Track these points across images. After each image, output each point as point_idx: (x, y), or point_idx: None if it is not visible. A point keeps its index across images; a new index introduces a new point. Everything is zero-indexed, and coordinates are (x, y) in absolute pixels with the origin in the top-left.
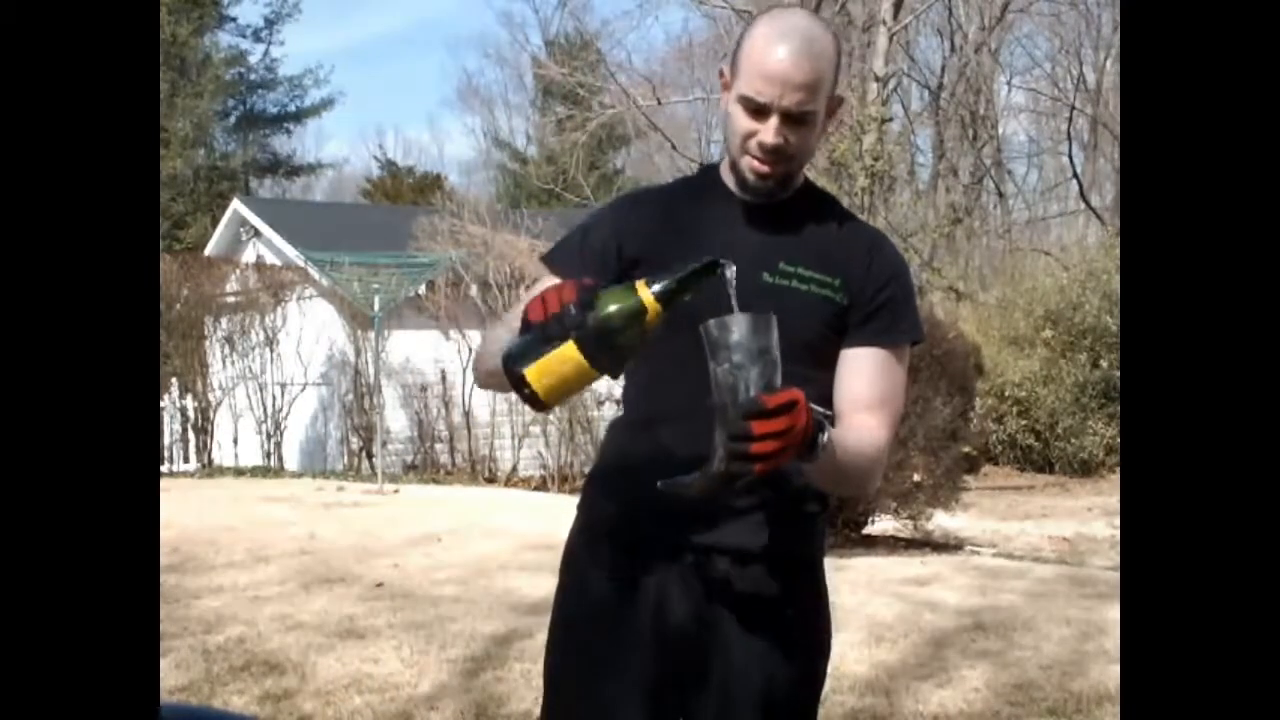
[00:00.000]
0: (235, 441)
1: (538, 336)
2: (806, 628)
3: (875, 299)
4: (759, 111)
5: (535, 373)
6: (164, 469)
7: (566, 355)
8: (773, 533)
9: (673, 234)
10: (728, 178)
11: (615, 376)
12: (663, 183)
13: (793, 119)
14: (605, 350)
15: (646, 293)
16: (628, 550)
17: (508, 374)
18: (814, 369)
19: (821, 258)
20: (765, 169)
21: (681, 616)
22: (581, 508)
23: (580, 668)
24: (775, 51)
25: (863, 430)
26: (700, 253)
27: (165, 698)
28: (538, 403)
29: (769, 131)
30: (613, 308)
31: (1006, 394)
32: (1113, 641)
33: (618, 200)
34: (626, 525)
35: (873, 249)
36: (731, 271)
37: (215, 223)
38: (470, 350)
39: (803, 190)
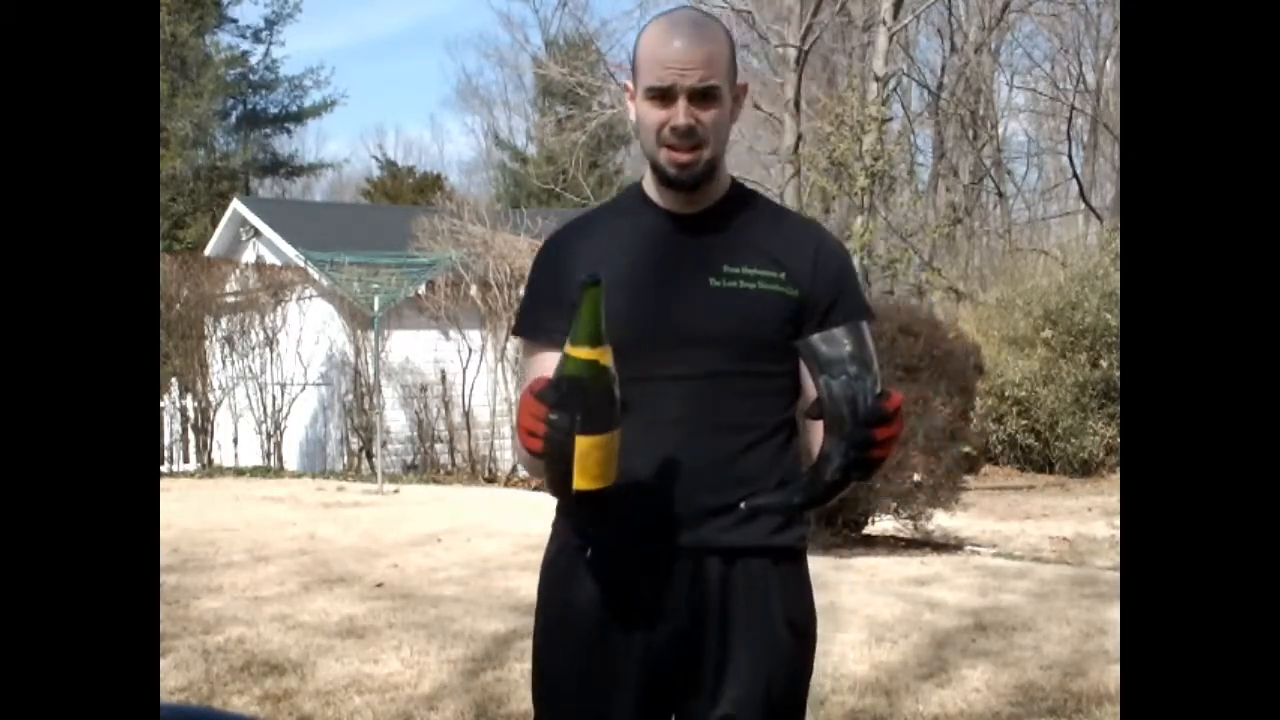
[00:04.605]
0: (235, 441)
1: (555, 457)
2: (797, 620)
3: (829, 291)
4: (666, 98)
5: (584, 481)
6: (164, 469)
7: (589, 447)
8: (759, 527)
9: (612, 260)
10: (653, 191)
11: (621, 421)
12: (586, 211)
13: (699, 97)
14: (607, 415)
15: (582, 351)
16: (616, 562)
17: (569, 505)
18: (775, 364)
19: (764, 254)
20: (684, 157)
21: (675, 622)
22: (559, 525)
23: (573, 685)
24: (669, 39)
25: None
26: (642, 272)
27: (165, 698)
28: (606, 492)
29: (679, 113)
30: (585, 388)
31: (1006, 394)
32: (1113, 641)
33: (547, 246)
34: (613, 537)
35: (815, 241)
36: (600, 279)
37: (215, 223)
38: (470, 350)
39: (733, 191)
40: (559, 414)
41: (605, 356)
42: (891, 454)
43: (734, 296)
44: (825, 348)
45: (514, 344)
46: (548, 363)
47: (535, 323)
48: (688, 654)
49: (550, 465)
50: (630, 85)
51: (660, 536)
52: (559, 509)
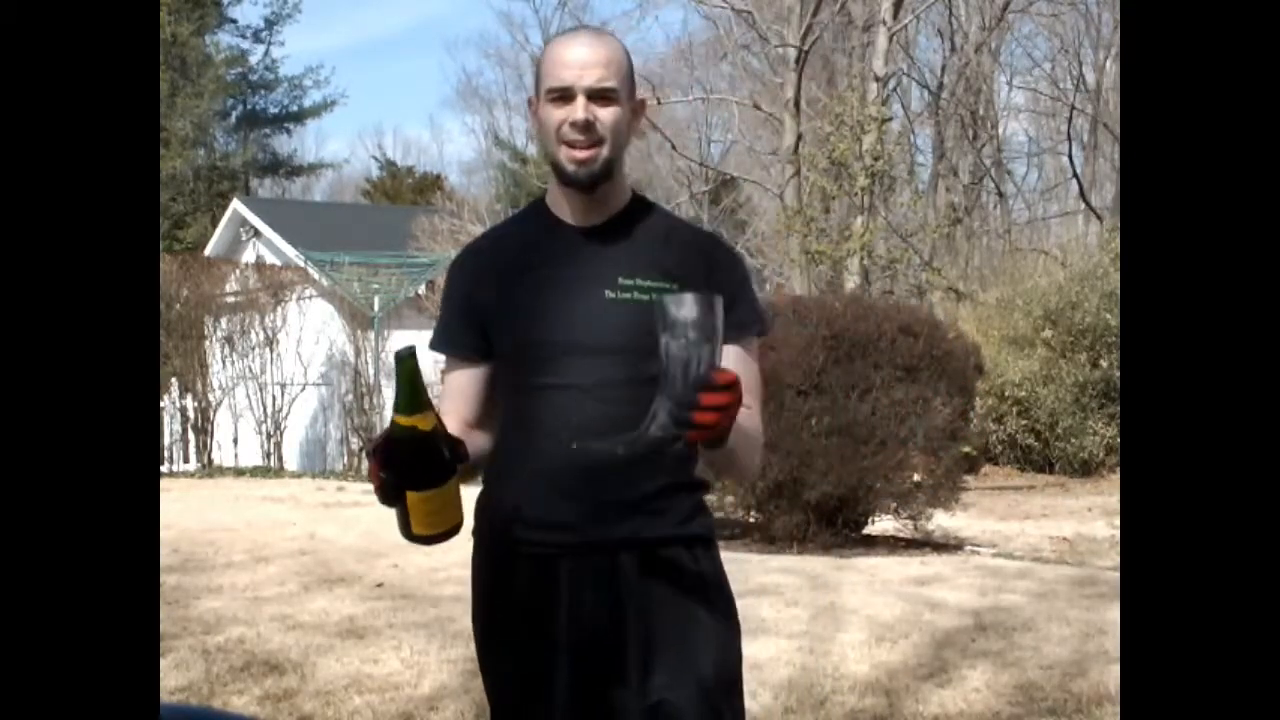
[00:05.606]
0: (235, 441)
1: (393, 506)
2: (717, 602)
3: (724, 299)
4: (565, 98)
5: (421, 528)
6: (164, 469)
7: (417, 501)
8: (670, 519)
9: (516, 275)
10: (557, 206)
11: (454, 469)
12: (498, 224)
13: (597, 97)
14: (430, 474)
15: (402, 418)
16: (536, 563)
17: (415, 542)
18: None
19: (659, 266)
20: (582, 154)
21: (596, 617)
22: (479, 533)
23: (511, 687)
24: (569, 45)
25: (752, 417)
26: (543, 285)
27: (165, 698)
28: (447, 534)
29: (578, 109)
30: (403, 452)
31: (1006, 394)
32: (1113, 642)
33: (459, 259)
34: (531, 538)
35: (709, 252)
36: (413, 351)
37: (215, 223)
38: None
39: (632, 205)
40: (386, 472)
41: (424, 423)
42: (718, 430)
43: (628, 308)
44: (673, 309)
45: None
46: (461, 379)
47: (449, 338)
48: (611, 648)
49: (396, 515)
50: (533, 98)
51: (574, 536)
52: (478, 512)
